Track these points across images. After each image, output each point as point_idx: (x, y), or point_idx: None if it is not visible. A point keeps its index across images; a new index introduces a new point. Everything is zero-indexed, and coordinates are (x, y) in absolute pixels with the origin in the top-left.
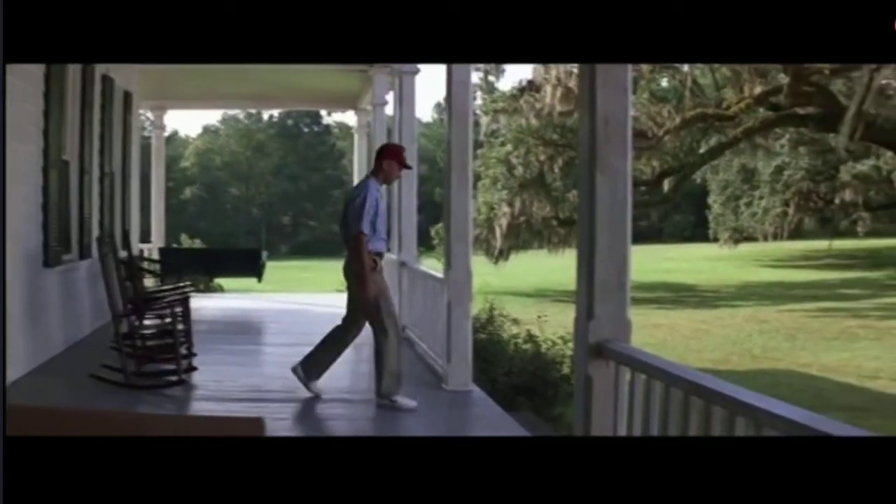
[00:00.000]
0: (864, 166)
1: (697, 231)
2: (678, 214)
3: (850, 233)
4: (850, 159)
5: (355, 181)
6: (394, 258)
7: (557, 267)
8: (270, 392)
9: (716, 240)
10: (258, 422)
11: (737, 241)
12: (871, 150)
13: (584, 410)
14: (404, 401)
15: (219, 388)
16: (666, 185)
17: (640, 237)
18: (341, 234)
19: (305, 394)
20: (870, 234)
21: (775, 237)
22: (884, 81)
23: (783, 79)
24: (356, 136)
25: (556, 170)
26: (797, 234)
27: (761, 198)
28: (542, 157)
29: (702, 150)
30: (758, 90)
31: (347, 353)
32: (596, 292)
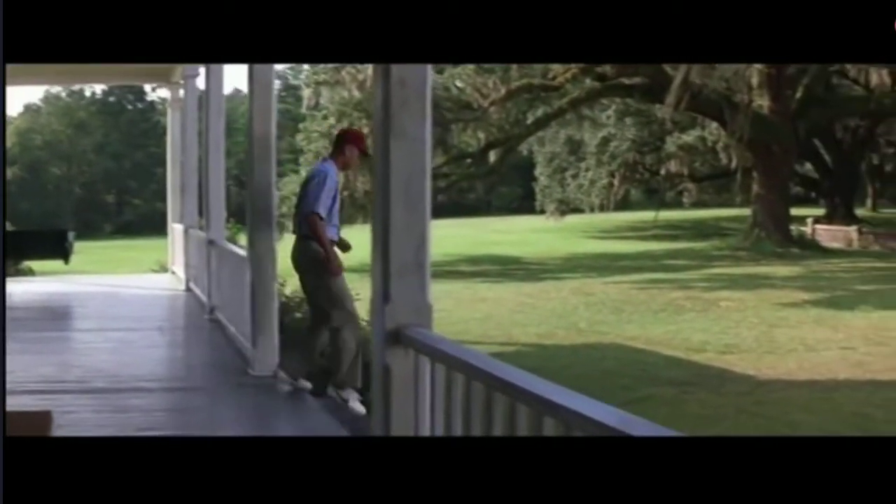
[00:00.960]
0: (689, 137)
1: (525, 203)
2: (506, 187)
3: (676, 204)
4: (675, 130)
5: (169, 159)
6: (202, 236)
7: None
8: (65, 383)
9: (543, 212)
10: (45, 416)
11: (563, 213)
12: (697, 120)
13: (384, 403)
14: (356, 404)
15: (9, 380)
16: (492, 156)
17: (469, 210)
18: (294, 220)
19: (102, 384)
20: (695, 204)
21: (602, 208)
22: None
23: None
24: (169, 112)
25: None
26: (624, 205)
27: (588, 169)
28: (366, 130)
29: (528, 122)
30: None
31: (154, 338)
32: (392, 272)
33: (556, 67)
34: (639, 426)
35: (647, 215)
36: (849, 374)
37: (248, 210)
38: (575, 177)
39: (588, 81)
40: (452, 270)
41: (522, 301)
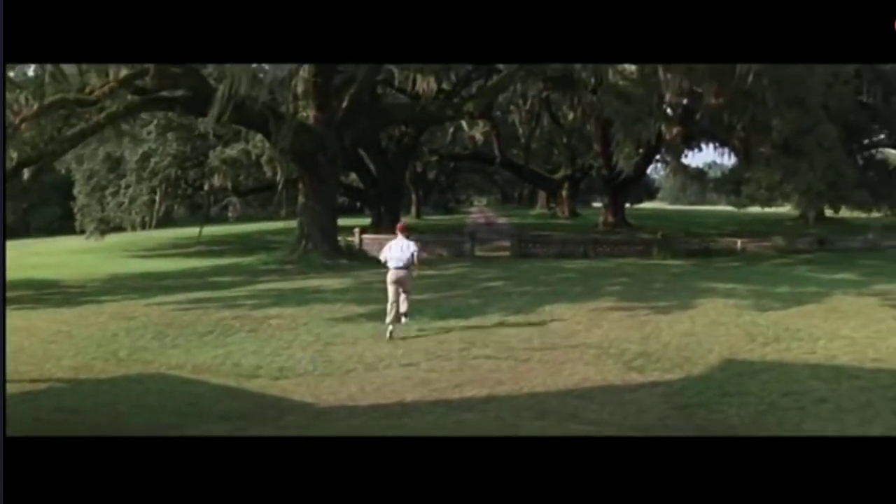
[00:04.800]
0: (233, 151)
1: (66, 223)
2: (46, 207)
3: (221, 218)
4: (220, 144)
5: None
6: None
7: None
8: None
9: (83, 232)
10: None
11: (104, 232)
12: (242, 133)
13: None
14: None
15: None
16: (25, 174)
17: (8, 233)
18: (400, 262)
19: None
20: (241, 219)
21: (144, 226)
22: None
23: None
24: None
25: None
26: (167, 222)
27: (128, 186)
28: None
29: (63, 139)
30: (123, 73)
31: None
32: None
33: (94, 81)
34: None
35: (191, 231)
36: (415, 394)
37: None
38: (115, 194)
39: (129, 96)
40: None
41: (58, 329)
